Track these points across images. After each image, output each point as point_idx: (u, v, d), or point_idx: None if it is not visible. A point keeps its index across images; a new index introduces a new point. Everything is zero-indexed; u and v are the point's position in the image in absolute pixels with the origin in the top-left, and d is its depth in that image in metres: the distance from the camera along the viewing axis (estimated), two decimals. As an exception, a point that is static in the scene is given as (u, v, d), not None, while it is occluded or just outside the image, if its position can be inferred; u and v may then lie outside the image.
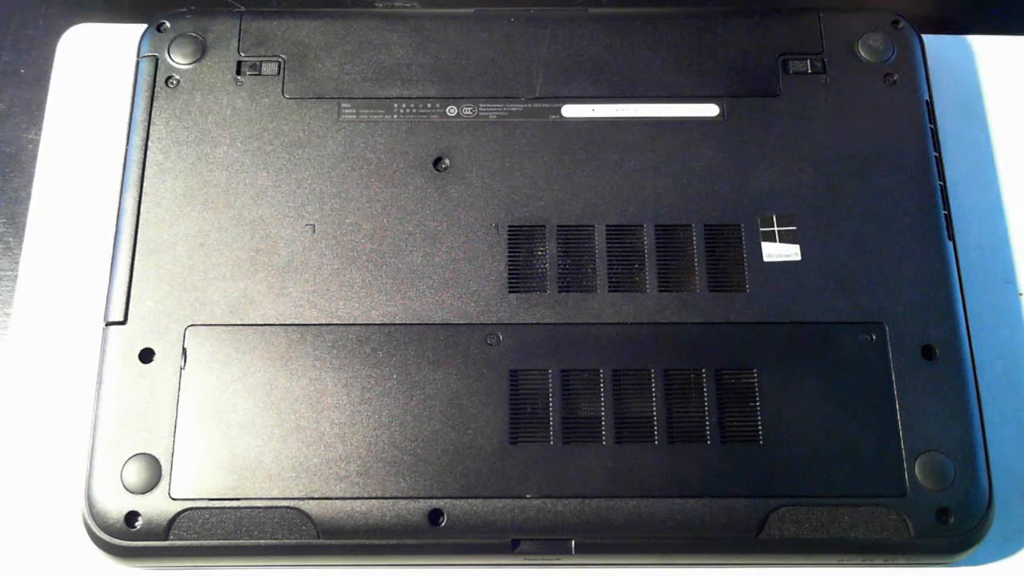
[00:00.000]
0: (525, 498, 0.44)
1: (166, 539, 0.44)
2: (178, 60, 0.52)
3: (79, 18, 0.57)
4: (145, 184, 0.49)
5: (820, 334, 0.47)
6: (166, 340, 0.47)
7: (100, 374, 0.46)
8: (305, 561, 0.45)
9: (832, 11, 0.53)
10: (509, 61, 0.52)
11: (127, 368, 0.46)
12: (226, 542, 0.44)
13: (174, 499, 0.44)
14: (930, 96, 0.52)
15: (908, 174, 0.50)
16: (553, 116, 0.51)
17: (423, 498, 0.44)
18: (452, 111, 0.51)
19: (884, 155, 0.50)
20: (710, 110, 0.51)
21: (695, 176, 0.50)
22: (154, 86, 0.51)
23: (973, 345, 0.47)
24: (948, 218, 0.49)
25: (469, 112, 0.51)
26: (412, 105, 0.51)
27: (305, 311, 0.47)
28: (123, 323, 0.47)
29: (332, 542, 0.44)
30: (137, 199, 0.49)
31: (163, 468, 0.45)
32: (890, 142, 0.50)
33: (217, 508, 0.44)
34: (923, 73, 0.52)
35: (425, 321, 0.47)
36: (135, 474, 0.45)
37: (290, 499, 0.44)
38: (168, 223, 0.48)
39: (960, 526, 0.44)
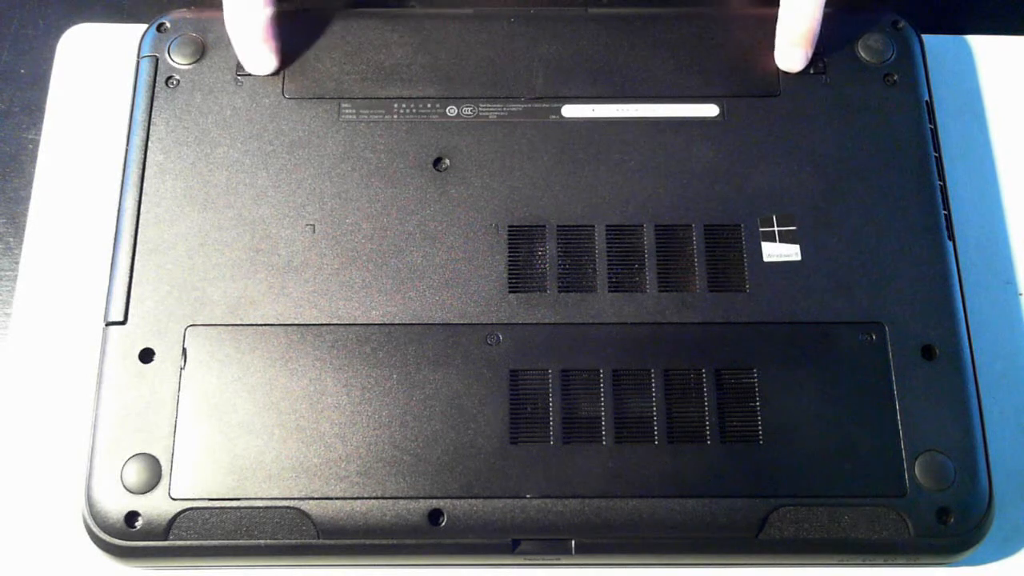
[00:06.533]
0: (525, 498, 0.44)
1: (166, 539, 0.44)
2: (178, 60, 0.52)
3: (79, 18, 0.57)
4: (145, 184, 0.49)
5: (820, 334, 0.47)
6: (166, 340, 0.47)
7: (100, 374, 0.46)
8: (305, 561, 0.45)
9: (832, 11, 0.53)
10: (509, 61, 0.52)
11: (127, 368, 0.46)
12: (226, 542, 0.44)
13: (174, 499, 0.44)
14: (930, 96, 0.52)
15: (908, 174, 0.50)
16: (553, 116, 0.51)
17: (423, 498, 0.44)
18: (452, 111, 0.51)
19: (884, 155, 0.50)
20: (710, 110, 0.51)
21: (695, 176, 0.50)
22: (154, 86, 0.51)
23: (973, 345, 0.47)
24: (948, 218, 0.49)
25: (469, 112, 0.51)
26: (412, 105, 0.51)
27: (305, 311, 0.47)
28: (123, 323, 0.47)
29: (332, 542, 0.44)
30: (137, 199, 0.49)
31: (163, 468, 0.45)
32: (890, 142, 0.50)
33: (217, 508, 0.44)
34: (923, 73, 0.52)
35: (425, 321, 0.47)
36: (135, 474, 0.45)
37: (290, 499, 0.44)
38: (168, 223, 0.48)
39: (960, 526, 0.44)
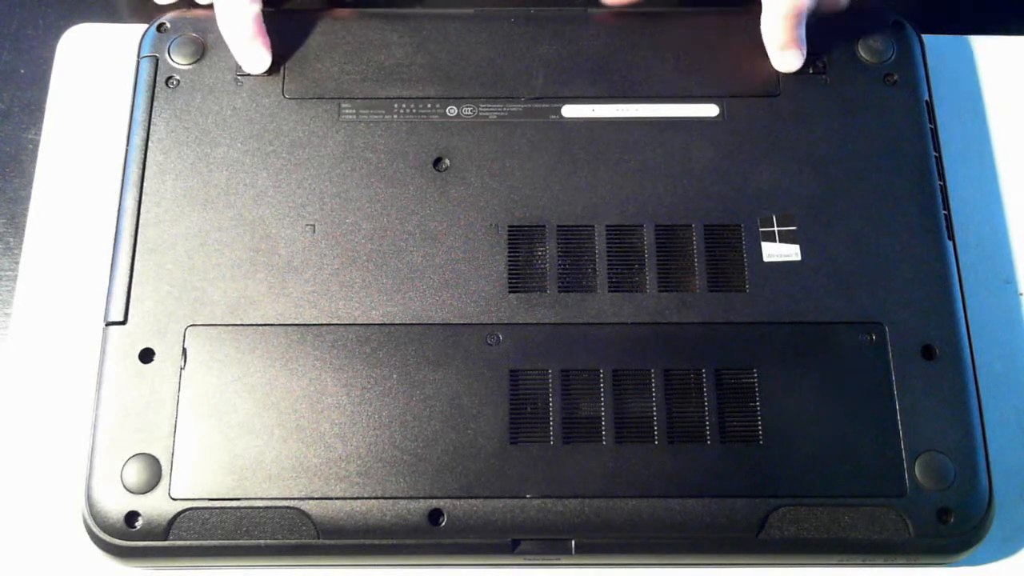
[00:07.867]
0: (525, 498, 0.44)
1: (166, 539, 0.44)
2: (178, 60, 0.52)
3: (79, 18, 0.57)
4: (145, 184, 0.49)
5: (820, 334, 0.47)
6: (166, 340, 0.47)
7: (100, 374, 0.46)
8: (305, 561, 0.45)
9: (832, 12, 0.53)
10: (509, 61, 0.52)
11: (127, 368, 0.46)
12: (226, 542, 0.44)
13: (174, 499, 0.44)
14: (930, 96, 0.52)
15: (908, 174, 0.50)
16: (553, 116, 0.51)
17: (423, 498, 0.44)
18: (452, 111, 0.51)
19: (884, 155, 0.50)
20: (710, 110, 0.51)
21: (695, 176, 0.50)
22: (154, 86, 0.51)
23: (973, 345, 0.47)
24: (948, 218, 0.49)
25: (469, 112, 0.51)
26: (412, 105, 0.51)
27: (305, 311, 0.47)
28: (123, 323, 0.47)
29: (332, 542, 0.44)
30: (137, 199, 0.49)
31: (163, 468, 0.45)
32: (890, 142, 0.50)
33: (217, 508, 0.44)
34: (923, 73, 0.52)
35: (425, 321, 0.47)
36: (135, 474, 0.45)
37: (290, 499, 0.44)
38: (168, 223, 0.48)
39: (960, 526, 0.44)
